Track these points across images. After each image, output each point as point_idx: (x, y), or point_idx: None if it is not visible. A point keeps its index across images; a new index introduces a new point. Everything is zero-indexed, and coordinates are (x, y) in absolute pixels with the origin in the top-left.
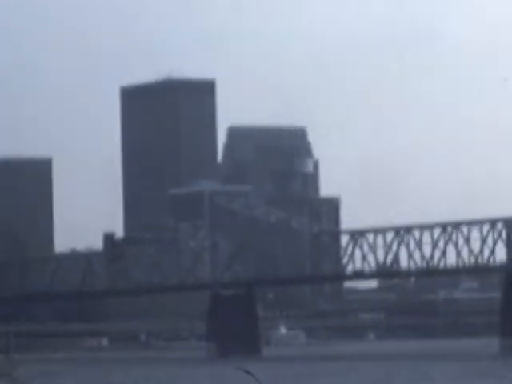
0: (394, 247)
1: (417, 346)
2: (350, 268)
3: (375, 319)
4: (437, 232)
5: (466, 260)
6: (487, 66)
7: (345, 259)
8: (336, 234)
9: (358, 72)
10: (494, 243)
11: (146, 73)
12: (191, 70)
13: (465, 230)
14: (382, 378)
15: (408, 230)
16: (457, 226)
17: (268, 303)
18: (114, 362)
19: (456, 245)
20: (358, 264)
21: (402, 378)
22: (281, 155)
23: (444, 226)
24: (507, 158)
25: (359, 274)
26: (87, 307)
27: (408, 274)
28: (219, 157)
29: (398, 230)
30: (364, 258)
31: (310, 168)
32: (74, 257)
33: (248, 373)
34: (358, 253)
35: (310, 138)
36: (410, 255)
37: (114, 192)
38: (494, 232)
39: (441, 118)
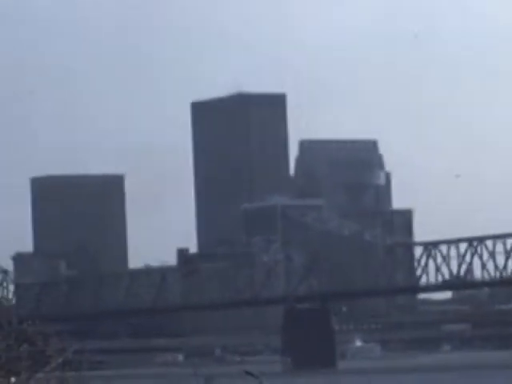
0: (468, 258)
1: (493, 356)
2: (423, 280)
3: (450, 330)
4: (510, 242)
5: None
6: None
7: (418, 271)
8: (409, 246)
9: (429, 82)
10: None
11: (216, 88)
12: (261, 84)
13: None
14: None
15: (481, 240)
16: None
17: (342, 316)
18: (189, 377)
19: None
20: (432, 275)
21: None
22: (353, 168)
23: None
24: None
25: (433, 286)
26: (162, 323)
27: (482, 284)
28: (291, 170)
29: (471, 241)
30: (438, 269)
31: (382, 180)
32: (147, 272)
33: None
34: (431, 264)
35: (381, 150)
36: (484, 266)
37: (186, 207)
38: None
39: None
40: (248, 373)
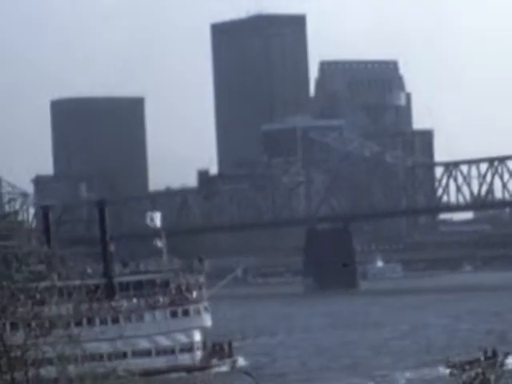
0: (489, 178)
1: None
2: (444, 200)
3: (471, 250)
4: None
5: None
6: None
7: (439, 191)
8: (430, 167)
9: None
10: None
11: (236, 9)
12: (281, 5)
13: None
14: (477, 309)
15: (502, 160)
16: None
17: (363, 237)
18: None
19: None
20: (453, 196)
21: (499, 307)
22: (373, 88)
23: None
24: None
25: (454, 206)
26: (182, 244)
27: (503, 204)
28: (311, 92)
29: (492, 161)
30: (458, 189)
31: (402, 101)
32: (168, 194)
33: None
34: (452, 185)
35: (402, 70)
36: (505, 186)
37: (207, 129)
38: None
39: None
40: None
